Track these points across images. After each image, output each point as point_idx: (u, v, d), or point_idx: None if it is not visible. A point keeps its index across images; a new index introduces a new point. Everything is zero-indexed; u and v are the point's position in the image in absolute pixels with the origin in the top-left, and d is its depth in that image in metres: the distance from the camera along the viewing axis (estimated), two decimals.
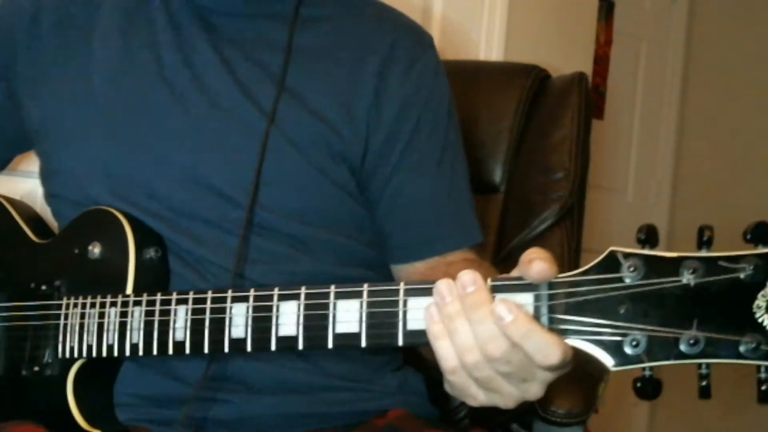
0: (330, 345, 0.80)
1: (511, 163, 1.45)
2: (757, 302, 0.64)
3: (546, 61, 1.66)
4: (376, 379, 1.09)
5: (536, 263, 0.71)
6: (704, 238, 0.66)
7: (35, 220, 1.13)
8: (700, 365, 0.66)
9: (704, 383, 0.66)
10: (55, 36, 1.09)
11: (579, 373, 1.25)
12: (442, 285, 0.73)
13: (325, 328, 0.80)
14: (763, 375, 0.64)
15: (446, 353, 0.74)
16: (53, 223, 1.15)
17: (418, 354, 1.21)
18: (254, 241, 1.02)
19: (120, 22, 1.08)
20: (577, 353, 0.72)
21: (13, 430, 0.96)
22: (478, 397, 0.76)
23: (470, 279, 0.72)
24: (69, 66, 1.08)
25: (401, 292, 0.77)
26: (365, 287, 0.79)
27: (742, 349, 0.64)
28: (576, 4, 2.68)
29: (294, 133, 1.02)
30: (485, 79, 1.40)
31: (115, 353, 0.93)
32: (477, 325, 0.72)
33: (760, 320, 0.63)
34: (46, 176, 1.11)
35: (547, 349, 0.70)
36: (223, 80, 1.04)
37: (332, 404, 1.05)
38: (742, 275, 0.64)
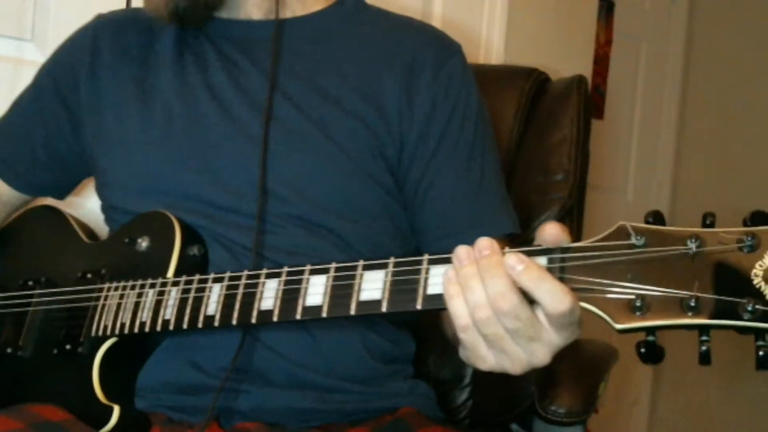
0: (353, 311, 0.84)
1: (511, 165, 1.45)
2: (754, 271, 0.68)
3: (546, 61, 1.67)
4: (388, 384, 1.13)
5: (550, 225, 0.76)
6: (707, 222, 0.71)
7: (90, 230, 1.22)
8: (700, 333, 0.69)
9: (704, 348, 0.69)
10: (113, 65, 1.20)
11: (579, 373, 1.27)
12: (461, 250, 0.78)
13: (349, 296, 0.84)
14: (760, 342, 0.67)
15: (459, 311, 0.77)
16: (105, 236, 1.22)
17: (427, 366, 1.22)
18: (297, 235, 1.08)
19: (173, 52, 1.18)
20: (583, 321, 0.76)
21: (33, 410, 0.99)
22: (487, 359, 0.79)
23: (487, 244, 0.77)
24: (127, 91, 1.17)
25: (425, 262, 0.82)
26: (391, 259, 0.84)
27: (740, 310, 0.67)
28: (576, 4, 2.68)
29: (333, 131, 1.09)
30: (485, 82, 1.41)
31: (147, 329, 0.97)
32: (489, 283, 0.75)
33: (757, 286, 0.67)
34: (103, 188, 1.19)
35: (559, 295, 0.73)
36: (263, 88, 1.11)
37: (346, 402, 1.09)
38: (741, 247, 0.69)
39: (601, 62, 3.19)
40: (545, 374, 1.23)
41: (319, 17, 1.19)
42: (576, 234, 1.43)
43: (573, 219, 1.43)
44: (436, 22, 2.07)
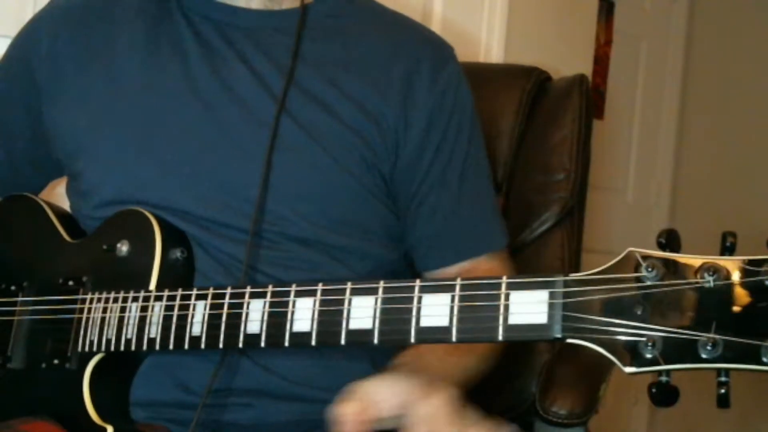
0: (342, 341, 0.80)
1: (512, 164, 1.45)
2: None
3: (546, 61, 1.66)
4: None
5: None
6: (727, 244, 0.64)
7: (70, 221, 1.14)
8: (718, 373, 0.64)
9: (723, 391, 0.64)
10: (74, 61, 1.11)
11: (580, 374, 1.26)
12: None
13: (339, 324, 0.80)
14: None
15: None
16: None
17: None
18: (293, 249, 1.04)
19: (144, 39, 1.09)
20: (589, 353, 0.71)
21: (26, 427, 0.97)
22: None
23: None
24: (94, 88, 1.09)
25: (416, 289, 0.77)
26: (381, 284, 0.79)
27: (762, 354, 0.61)
28: (576, 4, 2.68)
29: (330, 145, 1.04)
30: (486, 81, 1.40)
31: (133, 347, 0.94)
32: None
33: None
34: (78, 196, 1.12)
35: None
36: (255, 92, 1.05)
37: None
38: (765, 279, 0.62)
39: (601, 62, 3.19)
40: (546, 375, 1.22)
41: (306, 12, 1.10)
42: (577, 235, 1.43)
43: (574, 219, 1.42)
44: (436, 22, 2.07)
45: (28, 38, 1.16)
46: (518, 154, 1.46)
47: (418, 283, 0.78)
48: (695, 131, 3.59)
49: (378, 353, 1.08)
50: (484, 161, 1.16)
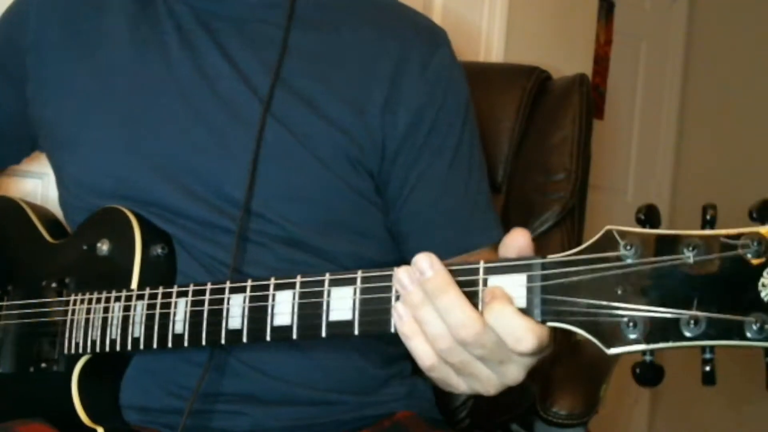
0: (324, 334, 0.79)
1: (512, 164, 1.45)
2: (762, 280, 0.59)
3: (546, 60, 1.66)
4: (386, 389, 1.09)
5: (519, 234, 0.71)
6: (707, 217, 0.63)
7: (52, 222, 1.14)
8: (703, 349, 0.62)
9: (708, 368, 0.62)
10: (61, 50, 1.09)
11: (581, 374, 1.26)
12: (401, 274, 0.72)
13: (319, 317, 0.79)
14: None
15: (421, 351, 0.73)
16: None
17: None
18: (281, 252, 1.02)
19: (127, 31, 1.07)
20: (563, 336, 0.70)
21: (22, 429, 0.97)
22: (460, 386, 0.75)
23: (426, 264, 0.71)
24: (79, 82, 1.07)
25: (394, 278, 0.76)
26: (359, 274, 0.78)
27: (746, 329, 0.59)
28: (576, 4, 2.68)
29: (316, 146, 1.01)
30: (486, 81, 1.40)
31: (118, 347, 0.94)
32: (444, 314, 0.70)
33: (766, 299, 0.59)
34: (60, 183, 1.11)
35: (520, 334, 0.68)
36: (238, 89, 1.03)
37: (343, 413, 1.05)
38: (746, 253, 0.60)
39: (601, 62, 3.18)
40: (546, 375, 1.22)
41: (295, 2, 1.06)
42: (577, 235, 1.43)
43: (574, 219, 1.42)
44: (436, 20, 2.06)
45: (17, 15, 1.13)
46: (518, 154, 1.46)
47: (395, 271, 0.76)
48: (695, 131, 3.59)
49: (367, 346, 1.07)
50: (477, 154, 1.11)
